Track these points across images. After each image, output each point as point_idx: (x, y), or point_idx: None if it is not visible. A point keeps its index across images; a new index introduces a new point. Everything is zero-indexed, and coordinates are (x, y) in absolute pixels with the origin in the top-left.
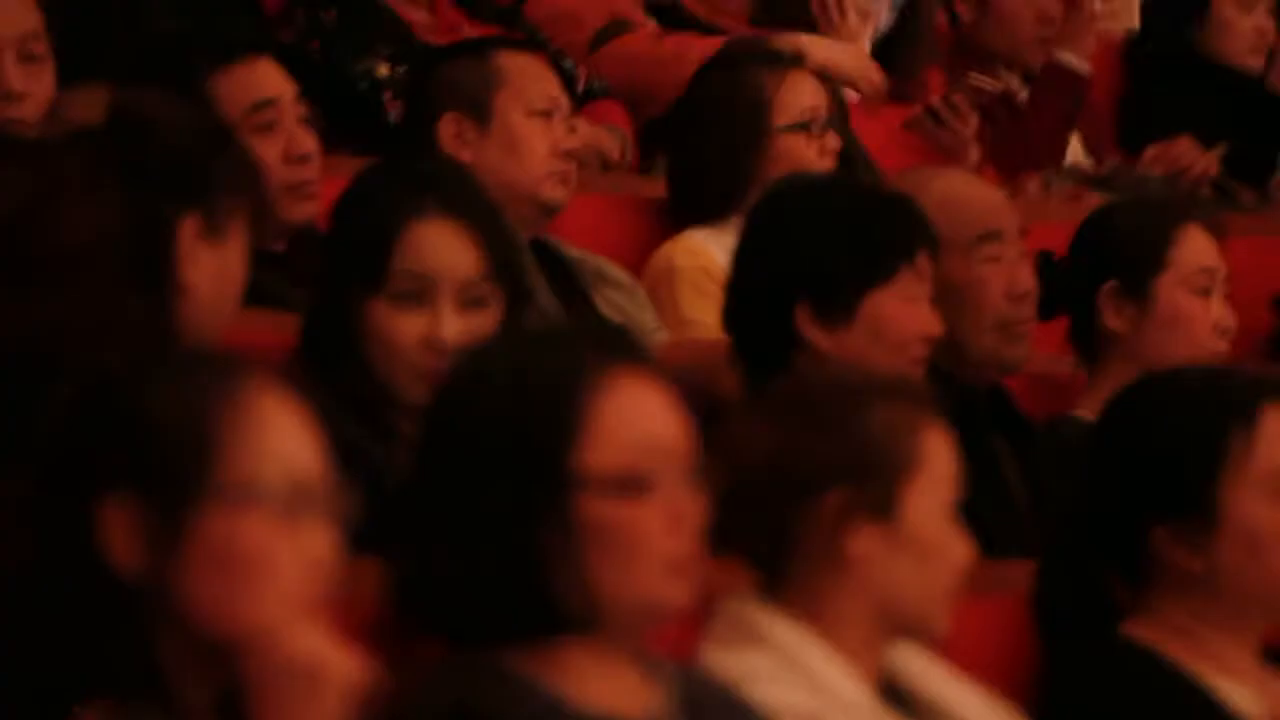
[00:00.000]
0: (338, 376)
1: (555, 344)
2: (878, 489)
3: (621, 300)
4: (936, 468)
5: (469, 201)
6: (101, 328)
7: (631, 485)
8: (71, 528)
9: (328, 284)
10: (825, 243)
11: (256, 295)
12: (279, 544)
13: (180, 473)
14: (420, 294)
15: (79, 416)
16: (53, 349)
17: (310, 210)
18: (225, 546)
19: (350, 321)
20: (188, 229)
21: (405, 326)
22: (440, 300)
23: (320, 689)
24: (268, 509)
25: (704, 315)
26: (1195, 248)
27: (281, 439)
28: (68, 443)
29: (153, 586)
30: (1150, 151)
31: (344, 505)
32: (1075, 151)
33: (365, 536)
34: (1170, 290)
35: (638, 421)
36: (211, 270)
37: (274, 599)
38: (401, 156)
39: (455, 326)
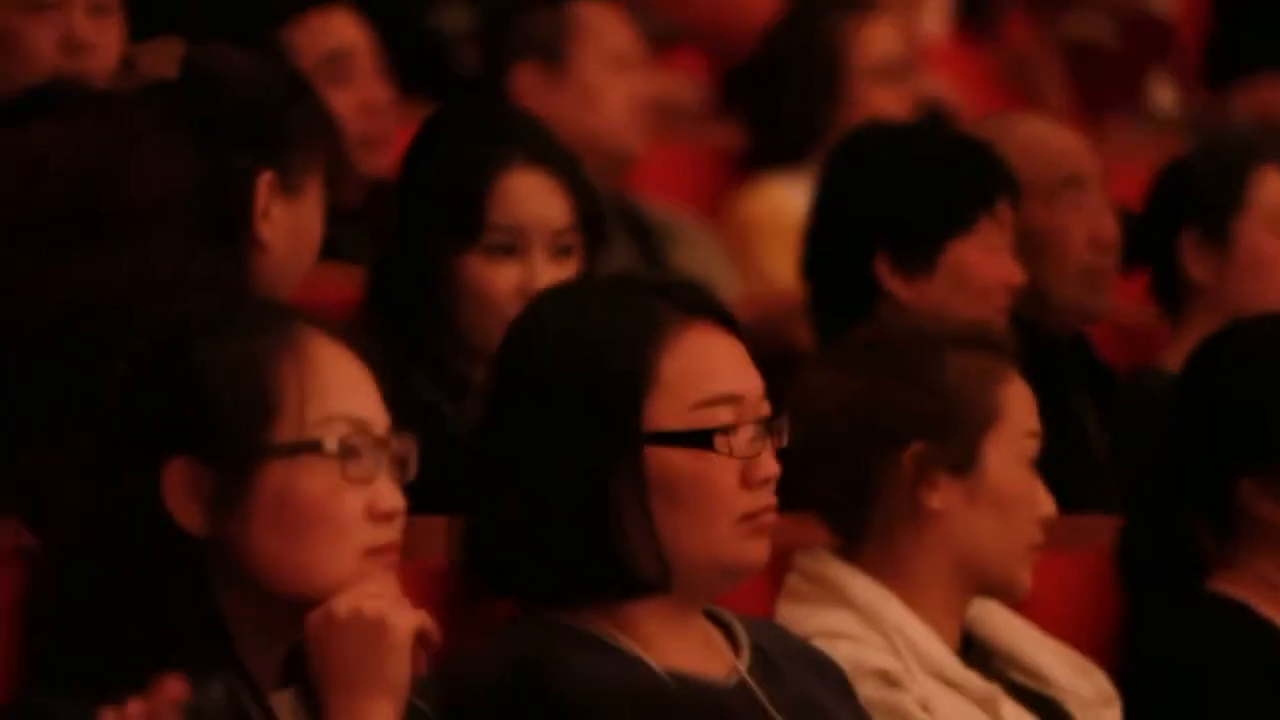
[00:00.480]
0: (412, 330)
1: (628, 295)
2: (957, 442)
3: (695, 252)
4: (1016, 420)
5: (553, 151)
6: (172, 284)
7: (704, 439)
8: (135, 490)
9: (408, 237)
10: (904, 191)
11: (333, 250)
12: (339, 497)
13: (236, 434)
14: (513, 246)
15: (141, 377)
16: (123, 304)
17: (385, 162)
18: (285, 503)
19: (436, 275)
20: (264, 184)
21: (500, 279)
22: (533, 251)
23: (384, 644)
24: (326, 463)
25: (780, 265)
26: (1276, 188)
27: (338, 393)
28: (130, 404)
29: (217, 546)
30: (1237, 91)
31: (407, 457)
32: (1162, 93)
33: (436, 495)
34: (1251, 233)
35: (710, 375)
36: (288, 226)
37: (337, 552)
38: (473, 106)
39: (549, 276)
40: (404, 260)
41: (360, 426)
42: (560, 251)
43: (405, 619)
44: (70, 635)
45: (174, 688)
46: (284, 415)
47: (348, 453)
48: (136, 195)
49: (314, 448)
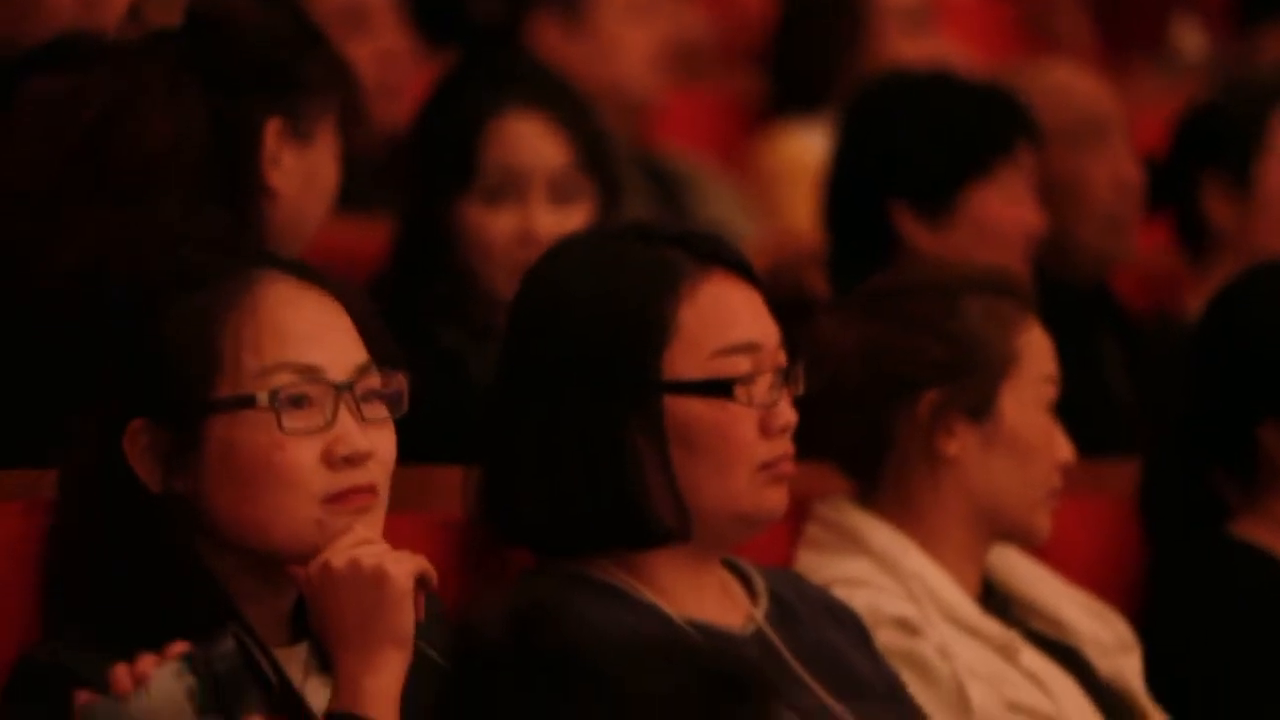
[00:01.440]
0: (432, 280)
1: (646, 244)
2: (974, 388)
3: (715, 200)
4: (1034, 365)
5: (553, 93)
6: (182, 237)
7: (723, 388)
8: (104, 451)
9: (416, 186)
10: (923, 137)
11: (354, 203)
12: (281, 449)
13: (182, 392)
14: (510, 189)
15: (107, 337)
16: (136, 260)
17: (405, 113)
18: (230, 459)
19: (442, 222)
20: (271, 131)
21: (497, 223)
22: (531, 194)
23: (385, 595)
24: (265, 416)
25: (800, 213)
26: None
27: (286, 340)
28: (99, 366)
29: (186, 507)
30: (1264, 34)
31: (396, 394)
32: (1188, 37)
33: (460, 444)
34: (1274, 177)
35: (729, 324)
36: (299, 173)
37: (290, 503)
38: (482, 55)
39: (548, 220)
40: (413, 209)
41: (310, 373)
42: (561, 197)
43: (403, 567)
44: (74, 590)
45: (182, 644)
46: (224, 369)
47: (285, 404)
48: (146, 148)
49: (248, 402)
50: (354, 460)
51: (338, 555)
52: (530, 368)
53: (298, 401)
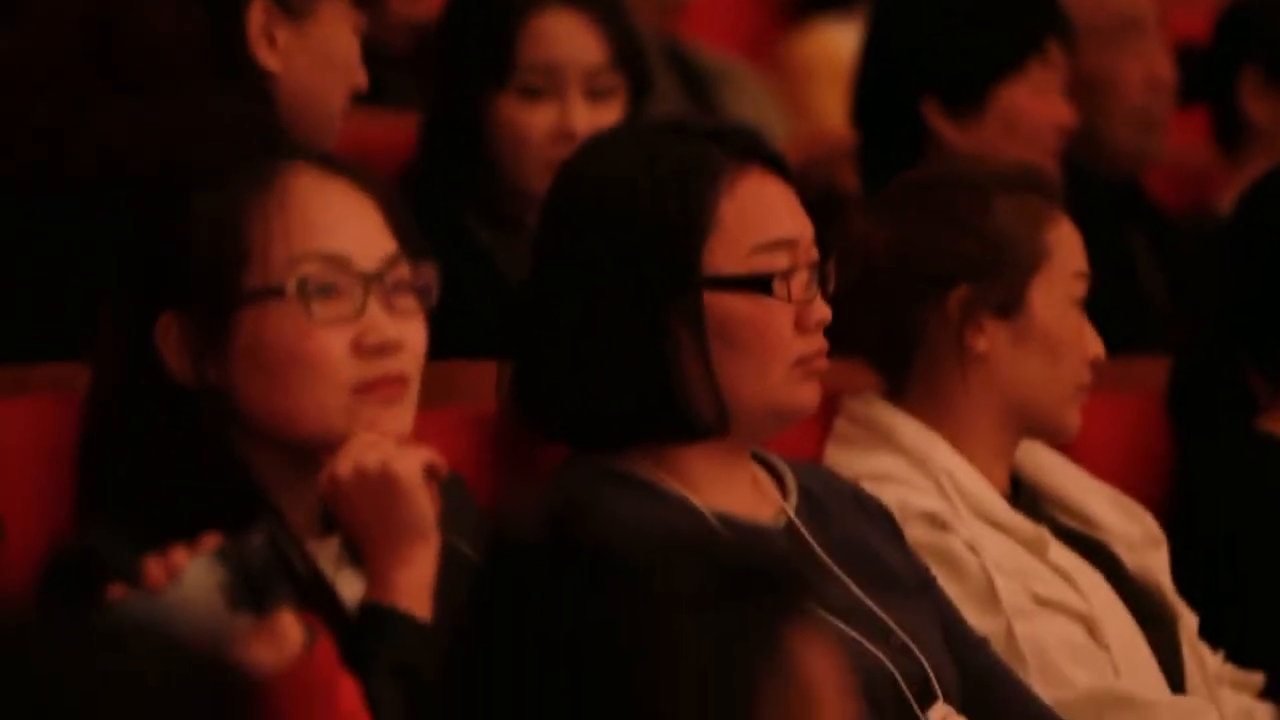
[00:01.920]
0: (463, 174)
1: (683, 139)
2: (1004, 284)
3: (745, 96)
4: (1064, 262)
5: None
6: (194, 128)
7: (763, 284)
8: (137, 344)
9: (449, 82)
10: (952, 33)
11: (382, 97)
12: (309, 339)
13: (210, 284)
14: (547, 86)
15: (138, 231)
16: (159, 149)
17: (434, 6)
18: (259, 350)
19: (476, 118)
20: (256, 9)
21: (534, 119)
22: (568, 90)
23: (396, 494)
24: (293, 306)
25: (831, 108)
26: None
27: (314, 230)
28: (129, 259)
29: (218, 398)
30: None
31: (425, 285)
32: None
33: (489, 339)
34: None
35: (768, 219)
36: (300, 52)
37: (319, 394)
38: None
39: (585, 117)
40: (447, 105)
41: (338, 263)
42: (597, 93)
43: (408, 462)
44: (107, 482)
45: (214, 537)
46: (253, 260)
47: (313, 293)
48: (151, 40)
49: (277, 292)
50: (384, 350)
51: (342, 464)
52: (568, 263)
53: (326, 290)
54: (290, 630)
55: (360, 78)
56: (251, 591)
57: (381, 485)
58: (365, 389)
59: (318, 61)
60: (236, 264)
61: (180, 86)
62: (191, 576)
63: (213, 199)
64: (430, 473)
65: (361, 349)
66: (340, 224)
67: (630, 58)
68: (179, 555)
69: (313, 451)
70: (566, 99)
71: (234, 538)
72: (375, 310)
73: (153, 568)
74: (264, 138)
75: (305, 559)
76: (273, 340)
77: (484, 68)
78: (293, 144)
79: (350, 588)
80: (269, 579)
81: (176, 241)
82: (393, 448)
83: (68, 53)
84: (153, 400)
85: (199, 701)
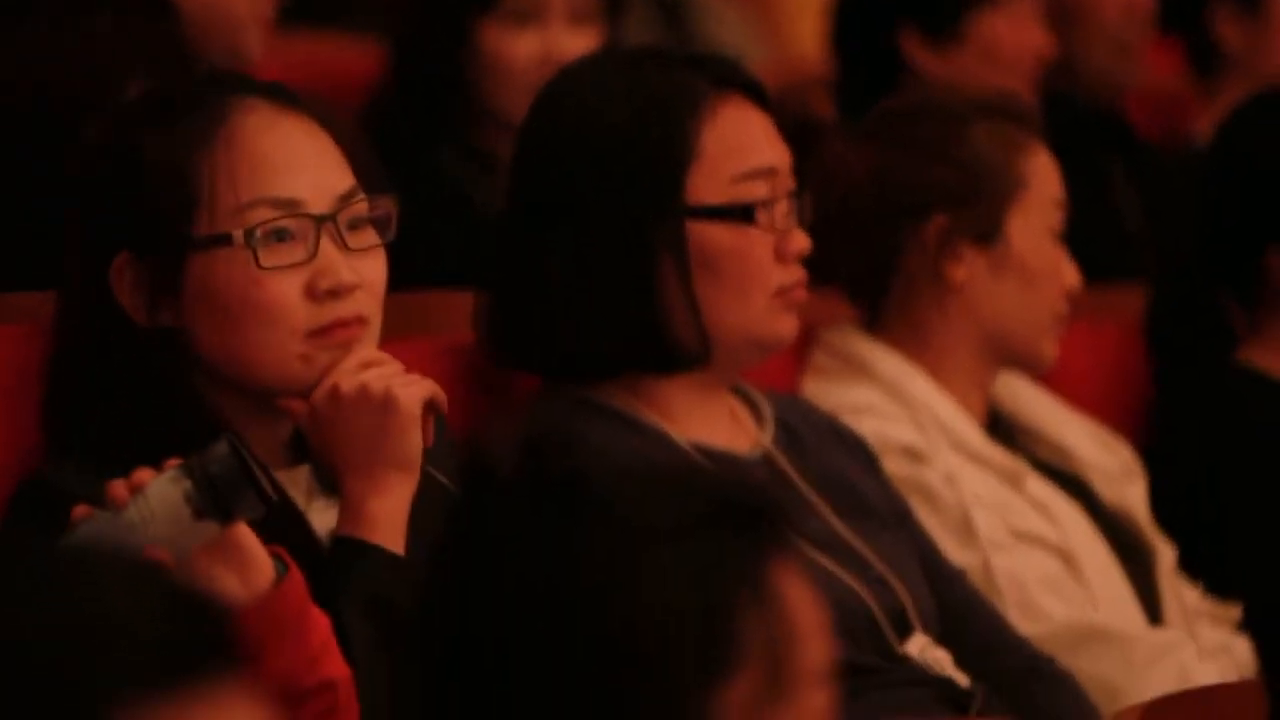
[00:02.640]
0: (436, 105)
1: (662, 67)
2: (981, 213)
3: (721, 24)
4: (1041, 190)
5: None
6: (119, 58)
7: (746, 213)
8: (91, 284)
9: (428, 7)
10: None
11: (346, 21)
12: (260, 285)
13: (162, 228)
14: (533, 11)
15: (87, 170)
16: (70, 87)
17: None
18: (210, 295)
19: (457, 45)
20: None
21: (520, 46)
22: (552, 17)
23: (394, 419)
24: (242, 253)
25: (807, 37)
26: None
27: (266, 173)
28: (81, 199)
29: (176, 338)
30: None
31: (385, 217)
32: None
33: (463, 270)
34: None
35: (749, 148)
36: None
37: (272, 339)
38: None
39: (569, 42)
40: (425, 32)
41: (290, 206)
42: (579, 19)
43: (412, 391)
44: (73, 416)
45: (175, 460)
46: (202, 205)
47: (265, 240)
48: None
49: (224, 241)
50: (338, 292)
51: (346, 379)
52: (547, 192)
53: (279, 235)
54: (255, 551)
55: None
56: (217, 498)
57: (380, 408)
58: (321, 333)
59: None
60: (186, 210)
61: (75, 18)
62: (155, 490)
63: (161, 135)
64: (430, 406)
65: (315, 293)
66: (292, 164)
67: None
68: (142, 474)
69: (271, 396)
70: (550, 25)
71: (198, 452)
72: (329, 252)
73: (116, 488)
74: (164, 58)
75: (266, 472)
76: (223, 288)
77: None
78: (242, 76)
79: (323, 518)
80: (234, 485)
81: (128, 183)
82: (399, 373)
83: None
84: (111, 339)
85: (160, 626)
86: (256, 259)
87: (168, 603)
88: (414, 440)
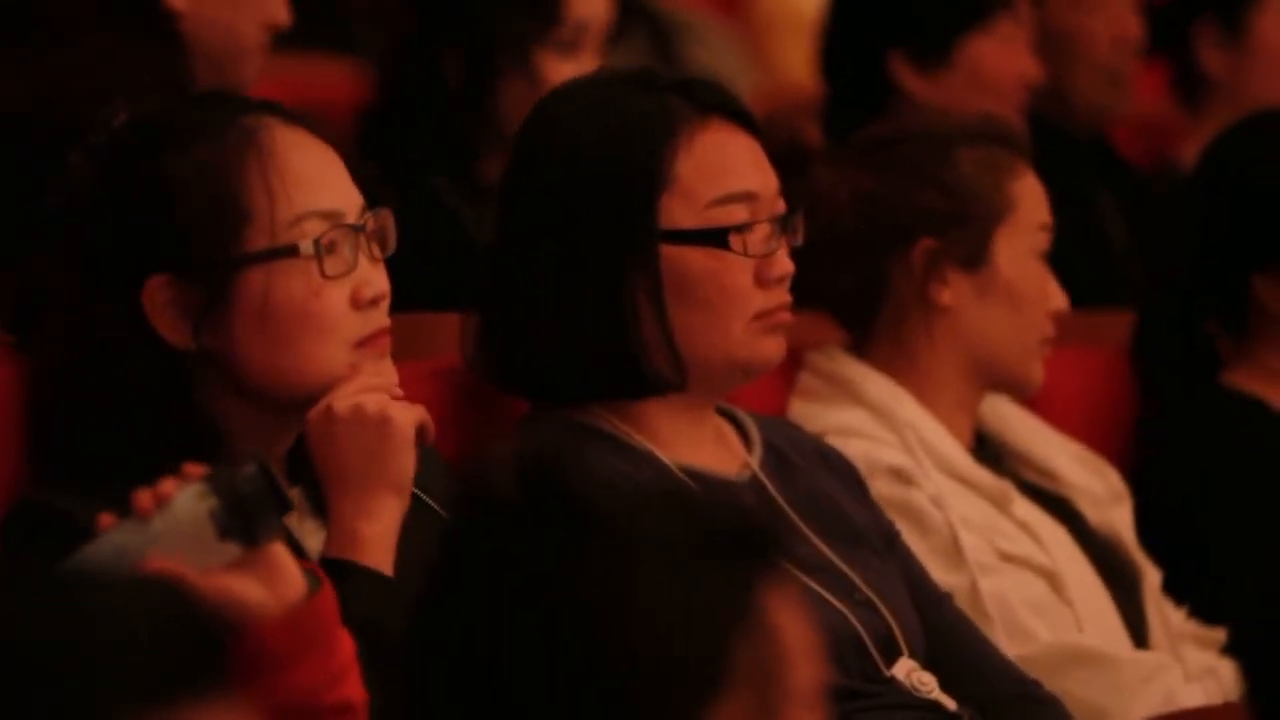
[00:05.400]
0: (426, 126)
1: (644, 92)
2: (968, 236)
3: (711, 48)
4: (1027, 213)
5: None
6: (111, 86)
7: (719, 238)
8: (119, 309)
9: (422, 33)
10: None
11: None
12: (320, 296)
13: (210, 247)
14: (580, 41)
15: (108, 193)
16: (57, 112)
17: None
18: (268, 309)
19: (496, 68)
20: None
21: (564, 74)
22: (590, 47)
23: (388, 441)
24: (303, 264)
25: (796, 61)
26: None
27: (307, 187)
28: (101, 223)
29: (206, 355)
30: None
31: (385, 230)
32: None
33: (453, 295)
34: (1268, 25)
35: (726, 172)
36: None
37: (327, 349)
38: None
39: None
40: (413, 55)
41: (334, 218)
42: (599, 50)
43: (407, 415)
44: (71, 442)
45: (199, 467)
46: (255, 221)
47: (323, 250)
48: None
49: (290, 252)
50: (377, 301)
51: (341, 400)
52: (529, 215)
53: (330, 248)
54: (287, 565)
55: (277, 13)
56: (242, 520)
57: (376, 429)
58: (365, 343)
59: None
60: (237, 225)
61: (76, 37)
62: (181, 503)
63: (190, 158)
64: (420, 433)
65: (359, 302)
66: (324, 178)
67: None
68: (168, 484)
69: (300, 406)
70: (585, 55)
71: (225, 467)
72: (364, 262)
73: (142, 497)
74: (164, 83)
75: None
76: (282, 299)
77: (532, 18)
78: (247, 98)
79: (312, 539)
80: (260, 508)
81: (158, 205)
82: (392, 397)
83: None
84: (135, 360)
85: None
86: (322, 269)
87: (165, 620)
88: (407, 462)
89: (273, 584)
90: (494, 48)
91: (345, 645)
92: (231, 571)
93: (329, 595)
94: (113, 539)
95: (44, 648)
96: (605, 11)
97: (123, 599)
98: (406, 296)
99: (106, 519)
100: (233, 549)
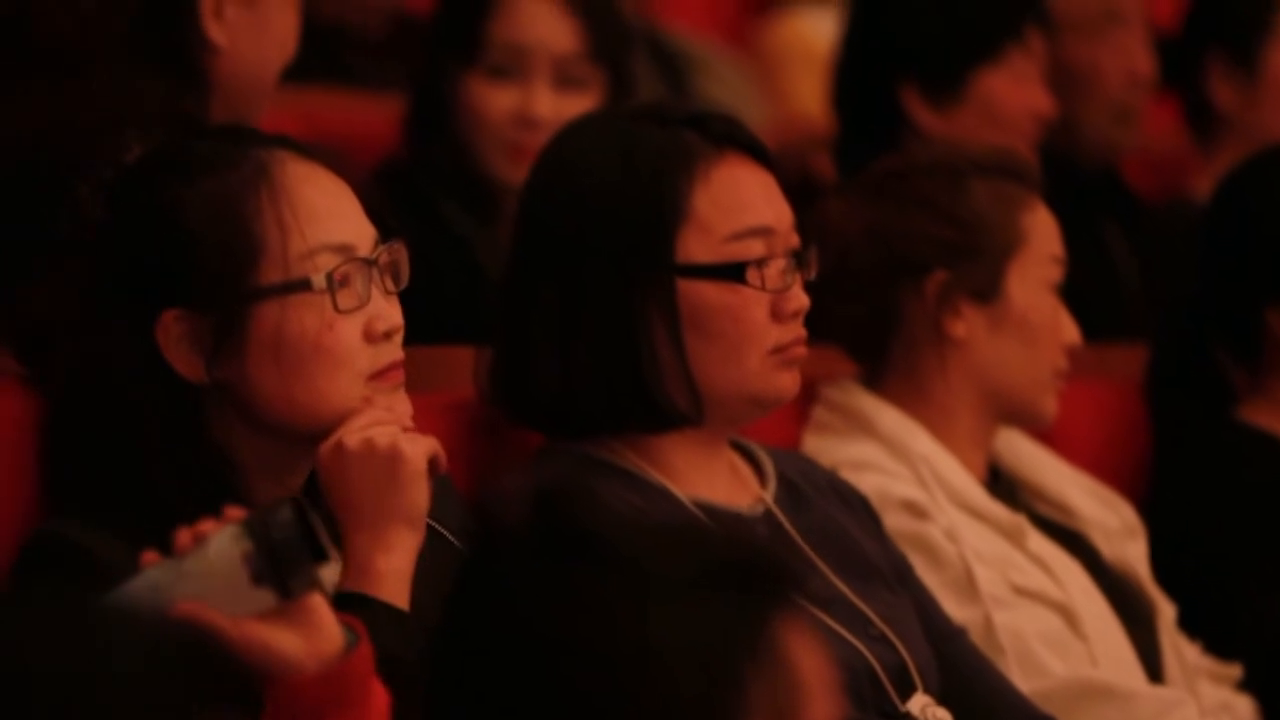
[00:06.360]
0: (438, 159)
1: (659, 126)
2: (980, 269)
3: (722, 82)
4: (1040, 246)
5: None
6: (124, 118)
7: (736, 272)
8: (132, 345)
9: (425, 60)
10: (931, 20)
11: (359, 81)
12: (333, 329)
13: (223, 282)
14: (514, 68)
15: (118, 228)
16: (68, 145)
17: None
18: (281, 342)
19: (445, 97)
20: None
21: (496, 99)
22: (534, 75)
23: (400, 475)
24: (316, 298)
25: (808, 95)
26: None
27: (319, 220)
28: (112, 258)
29: (219, 388)
30: None
31: (398, 263)
32: None
33: (465, 326)
34: (1279, 57)
35: (743, 207)
36: (245, 26)
37: (341, 383)
38: None
39: (549, 103)
40: (421, 85)
41: (346, 251)
42: (568, 81)
43: (418, 447)
44: (83, 475)
45: (238, 509)
46: (268, 254)
47: (336, 284)
48: (70, 23)
49: (303, 286)
50: (391, 335)
51: (351, 435)
52: (543, 249)
53: (343, 282)
54: (325, 618)
55: (292, 51)
56: (274, 566)
57: (387, 463)
58: (378, 376)
59: (261, 36)
60: (250, 259)
61: (108, 73)
62: (217, 545)
63: (202, 192)
64: (431, 465)
65: (373, 336)
66: (336, 211)
67: (608, 52)
68: (207, 524)
69: (313, 438)
70: (531, 83)
71: (262, 510)
72: (378, 296)
73: (182, 535)
74: (176, 118)
75: (330, 538)
76: (295, 333)
77: (455, 44)
78: (261, 131)
79: (326, 573)
80: (293, 555)
81: (173, 239)
82: (403, 431)
83: None
84: (149, 397)
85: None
86: (335, 303)
87: (178, 658)
88: (420, 495)
89: (310, 637)
90: (433, 77)
91: (380, 701)
92: (269, 621)
93: (366, 651)
94: (149, 576)
95: (56, 676)
96: (552, 37)
97: (140, 635)
98: (419, 329)
99: (150, 556)
100: (266, 595)
